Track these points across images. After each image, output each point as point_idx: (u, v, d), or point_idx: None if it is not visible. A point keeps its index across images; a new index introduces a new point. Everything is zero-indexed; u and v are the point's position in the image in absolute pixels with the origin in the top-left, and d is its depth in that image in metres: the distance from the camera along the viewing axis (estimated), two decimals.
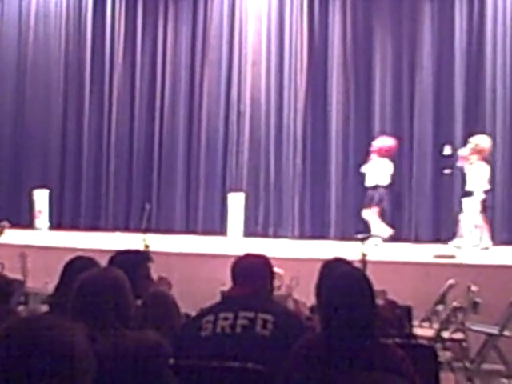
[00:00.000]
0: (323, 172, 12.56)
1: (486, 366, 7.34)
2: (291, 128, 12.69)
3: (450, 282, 7.60)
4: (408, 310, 5.63)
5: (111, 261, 4.38)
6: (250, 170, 12.66)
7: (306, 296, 5.50)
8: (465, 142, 11.51)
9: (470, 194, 10.58)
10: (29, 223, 12.17)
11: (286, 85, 12.78)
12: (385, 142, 11.41)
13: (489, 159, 10.83)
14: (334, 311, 3.28)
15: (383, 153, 11.22)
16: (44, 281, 4.40)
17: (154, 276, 4.94)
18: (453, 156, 10.56)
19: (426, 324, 7.29)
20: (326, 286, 3.51)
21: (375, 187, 11.13)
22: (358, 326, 3.25)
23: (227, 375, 3.49)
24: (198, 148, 13.07)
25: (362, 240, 7.88)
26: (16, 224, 10.98)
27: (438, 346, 6.37)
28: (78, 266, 4.04)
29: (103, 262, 4.95)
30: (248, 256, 4.13)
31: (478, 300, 7.20)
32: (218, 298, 4.76)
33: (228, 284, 4.07)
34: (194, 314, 4.83)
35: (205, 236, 12.08)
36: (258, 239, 11.52)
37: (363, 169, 11.36)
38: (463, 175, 11.43)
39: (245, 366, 3.48)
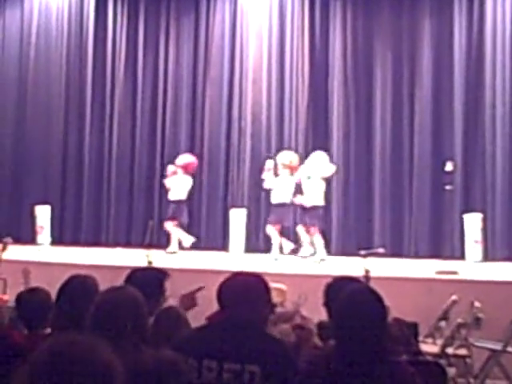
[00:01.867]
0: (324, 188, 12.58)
1: (489, 382, 7.35)
2: (292, 145, 12.73)
3: (453, 298, 7.62)
4: (414, 327, 5.65)
5: (129, 277, 4.39)
6: (251, 187, 12.67)
7: (310, 312, 5.52)
8: (465, 159, 11.67)
9: (283, 205, 11.28)
10: (31, 239, 12.21)
11: (286, 102, 12.84)
12: (188, 159, 12.17)
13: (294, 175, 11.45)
14: (347, 329, 3.31)
15: (188, 170, 12.05)
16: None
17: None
18: (454, 172, 10.65)
19: (429, 340, 7.30)
20: (337, 304, 3.53)
21: (179, 201, 11.92)
22: (370, 343, 3.27)
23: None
24: (199, 164, 13.08)
25: (365, 256, 7.92)
26: (18, 240, 10.95)
27: (443, 361, 6.39)
28: (75, 285, 4.05)
29: (107, 277, 4.95)
30: (239, 276, 3.65)
31: (480, 316, 7.21)
32: None
33: None
34: None
35: (207, 252, 12.09)
36: (259, 255, 11.53)
37: (167, 182, 12.13)
38: (465, 191, 11.59)
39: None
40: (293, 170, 11.42)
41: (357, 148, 12.60)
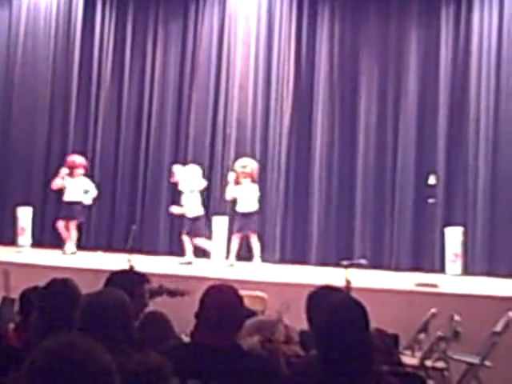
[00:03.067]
0: (305, 197, 12.62)
1: None
2: (276, 153, 12.76)
3: (433, 310, 7.68)
4: (395, 338, 5.68)
5: (108, 280, 4.39)
6: None
7: (293, 321, 5.53)
8: (448, 172, 11.76)
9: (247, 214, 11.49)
10: (11, 240, 12.15)
11: (272, 109, 12.86)
12: (79, 159, 12.41)
13: (256, 180, 11.74)
14: (329, 339, 3.32)
15: (86, 170, 12.42)
16: None
17: None
18: (437, 185, 10.70)
19: (408, 352, 7.34)
20: (321, 313, 3.52)
21: (77, 203, 12.24)
22: (353, 352, 3.29)
23: None
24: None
25: (347, 266, 7.94)
26: None
27: (422, 374, 6.42)
28: (57, 288, 4.04)
29: (87, 281, 4.94)
30: (219, 292, 3.69)
31: (459, 329, 7.26)
32: None
33: None
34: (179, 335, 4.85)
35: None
36: (240, 263, 11.52)
37: (57, 184, 12.33)
38: (447, 205, 11.66)
39: None
40: (251, 176, 11.62)
41: (340, 157, 12.62)
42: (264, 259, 12.10)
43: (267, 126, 12.89)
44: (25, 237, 12.09)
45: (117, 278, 4.43)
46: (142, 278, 4.61)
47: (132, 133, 13.47)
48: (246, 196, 11.51)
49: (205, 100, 13.15)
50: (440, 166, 12.00)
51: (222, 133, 12.99)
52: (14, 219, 12.31)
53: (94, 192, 12.38)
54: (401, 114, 12.48)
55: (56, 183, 12.29)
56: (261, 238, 12.38)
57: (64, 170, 12.21)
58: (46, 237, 13.18)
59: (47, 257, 11.26)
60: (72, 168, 12.23)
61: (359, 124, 12.61)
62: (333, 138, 12.68)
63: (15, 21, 13.87)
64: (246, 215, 11.47)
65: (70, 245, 12.09)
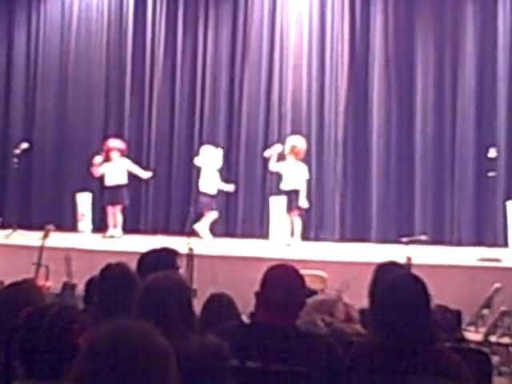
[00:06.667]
0: (364, 174, 12.50)
1: None
2: (332, 130, 12.65)
3: (496, 285, 7.54)
4: (458, 314, 5.59)
5: (140, 262, 4.39)
6: None
7: (352, 299, 5.48)
8: (509, 145, 11.50)
9: (289, 192, 11.29)
10: (72, 226, 12.31)
11: (327, 87, 12.73)
12: (112, 142, 12.37)
13: (304, 159, 11.56)
14: (390, 315, 3.27)
15: (123, 153, 12.29)
16: None
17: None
18: (498, 159, 10.50)
19: (471, 328, 7.22)
20: (382, 290, 3.49)
21: (119, 186, 12.17)
22: (414, 330, 3.23)
23: (282, 379, 3.40)
24: (237, 150, 13.07)
25: (407, 243, 7.87)
26: (59, 227, 11.02)
27: (486, 350, 6.31)
28: (114, 272, 4.04)
29: None
30: (282, 272, 3.65)
31: None
32: None
33: None
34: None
35: (244, 239, 12.07)
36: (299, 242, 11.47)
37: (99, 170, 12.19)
38: (508, 178, 11.42)
39: (294, 370, 3.33)
40: (298, 154, 11.41)
41: (397, 133, 12.46)
42: (323, 238, 12.08)
43: (323, 104, 12.78)
44: (85, 222, 12.25)
45: (148, 258, 4.44)
46: (173, 252, 4.63)
47: (186, 114, 13.45)
48: (289, 173, 11.37)
49: (258, 80, 13.05)
50: (501, 138, 11.76)
51: (277, 112, 12.90)
52: (73, 205, 12.47)
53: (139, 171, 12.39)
54: (459, 86, 12.24)
55: (94, 172, 12.20)
56: (320, 216, 12.35)
57: (97, 159, 12.06)
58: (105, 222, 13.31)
59: (108, 242, 11.37)
60: (107, 152, 12.17)
61: (416, 99, 12.42)
62: (390, 113, 12.52)
63: (68, 7, 13.96)
64: (289, 193, 11.32)
65: (117, 230, 12.06)
